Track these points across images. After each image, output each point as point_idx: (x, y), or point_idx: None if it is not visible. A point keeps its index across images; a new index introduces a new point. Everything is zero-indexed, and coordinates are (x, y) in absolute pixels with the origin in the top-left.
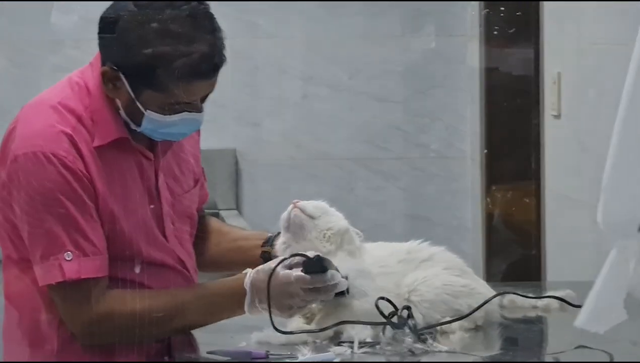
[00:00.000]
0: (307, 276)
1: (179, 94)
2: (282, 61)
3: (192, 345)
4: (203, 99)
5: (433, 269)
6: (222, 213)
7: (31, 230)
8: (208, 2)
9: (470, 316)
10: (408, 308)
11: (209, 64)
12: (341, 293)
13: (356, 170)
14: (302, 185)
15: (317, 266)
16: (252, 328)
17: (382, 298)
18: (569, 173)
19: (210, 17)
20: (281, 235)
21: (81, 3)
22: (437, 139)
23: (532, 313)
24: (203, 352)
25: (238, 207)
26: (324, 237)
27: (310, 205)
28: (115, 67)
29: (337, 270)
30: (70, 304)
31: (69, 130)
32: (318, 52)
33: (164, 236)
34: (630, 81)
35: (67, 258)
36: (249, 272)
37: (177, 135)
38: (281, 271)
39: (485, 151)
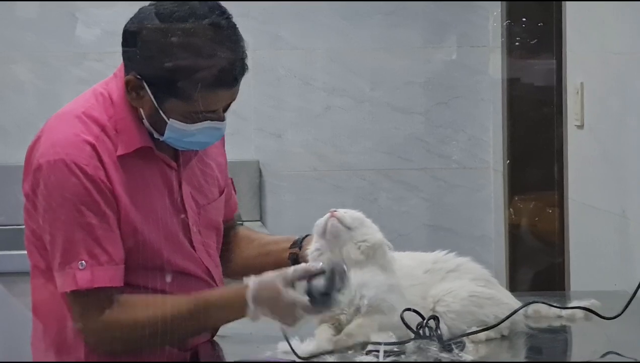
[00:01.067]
0: (312, 308)
1: (202, 103)
2: (305, 73)
3: (218, 355)
4: (225, 108)
5: (459, 280)
6: (246, 224)
7: (51, 237)
8: (230, 13)
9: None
10: (435, 318)
11: (231, 74)
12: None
13: (379, 181)
14: (325, 196)
15: (322, 300)
16: (277, 338)
17: (409, 309)
18: (592, 183)
19: (233, 27)
20: (314, 240)
21: (105, 16)
22: (459, 149)
23: (556, 323)
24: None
25: (261, 219)
26: (358, 249)
27: (348, 215)
28: (139, 76)
29: (343, 280)
30: (81, 312)
31: (91, 139)
32: (340, 64)
33: (192, 246)
34: None
35: (81, 267)
36: (250, 284)
37: (200, 144)
38: (285, 293)
39: (508, 161)
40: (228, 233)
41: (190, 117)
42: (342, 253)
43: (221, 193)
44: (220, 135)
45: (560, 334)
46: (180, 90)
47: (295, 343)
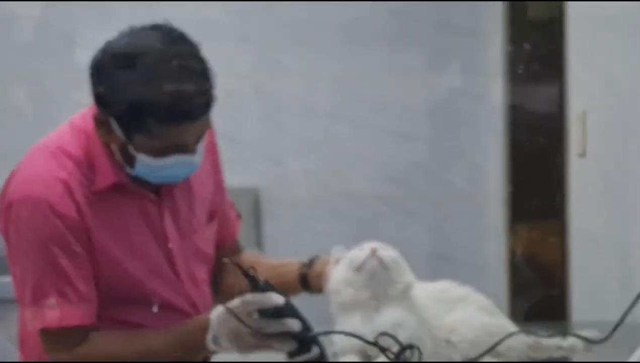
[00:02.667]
0: (249, 295)
1: (166, 137)
2: (306, 98)
3: None
4: (197, 140)
5: (468, 309)
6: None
7: (20, 274)
8: (196, 42)
9: (501, 355)
10: (411, 347)
11: (193, 106)
12: (305, 348)
13: (380, 208)
14: (325, 223)
15: (270, 312)
16: None
17: (385, 333)
18: (594, 211)
19: (196, 58)
20: (342, 269)
21: (103, 40)
22: (460, 176)
23: (557, 354)
24: None
25: (259, 246)
26: (393, 289)
27: (389, 258)
28: (104, 112)
29: (301, 319)
30: (51, 350)
31: (64, 176)
32: (342, 89)
33: (178, 278)
34: None
35: (50, 307)
36: (217, 308)
37: (173, 178)
38: (233, 303)
39: (509, 189)
40: (233, 258)
41: (158, 152)
42: (375, 291)
43: (211, 219)
44: (193, 168)
45: None
46: (142, 125)
47: None
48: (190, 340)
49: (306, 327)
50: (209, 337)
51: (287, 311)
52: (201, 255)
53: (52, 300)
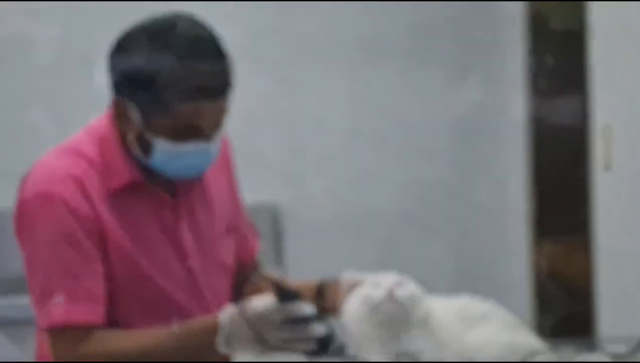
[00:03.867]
0: (275, 304)
1: (184, 117)
2: (324, 115)
3: None
4: (215, 126)
5: (492, 327)
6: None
7: (30, 272)
8: (212, 25)
9: None
10: None
11: (212, 85)
12: (324, 349)
13: (402, 225)
14: (346, 241)
15: (288, 295)
16: None
17: None
18: (620, 226)
19: (214, 40)
20: (359, 309)
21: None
22: (483, 192)
23: None
24: None
25: (279, 263)
26: (411, 324)
27: (406, 298)
28: (124, 97)
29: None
30: (56, 348)
31: (78, 173)
32: (361, 105)
33: (199, 288)
34: None
35: (57, 304)
36: (229, 311)
37: (189, 168)
38: (256, 305)
39: (533, 204)
40: (252, 278)
41: (176, 135)
42: (391, 328)
43: (229, 231)
44: (209, 157)
45: None
46: (162, 104)
47: None
48: (196, 342)
49: (330, 329)
50: (221, 340)
51: (313, 317)
52: (221, 265)
53: (59, 298)
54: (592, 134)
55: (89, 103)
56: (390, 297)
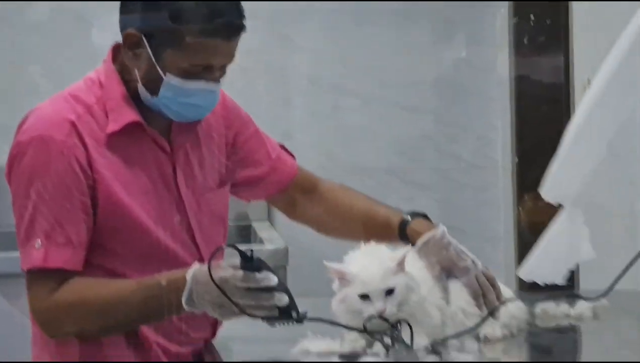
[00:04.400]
0: (244, 273)
1: (198, 52)
2: (313, 73)
3: (214, 357)
4: (223, 69)
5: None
6: (254, 224)
7: (17, 213)
8: None
9: (505, 326)
10: (399, 324)
11: (229, 23)
12: (285, 317)
13: (388, 181)
14: None
15: (254, 265)
16: (287, 339)
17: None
18: (601, 181)
19: None
20: (345, 315)
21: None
22: (468, 148)
23: (565, 322)
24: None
25: (270, 218)
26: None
27: (394, 313)
28: (136, 31)
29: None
30: (32, 292)
31: (73, 118)
32: (348, 64)
33: (192, 235)
34: (602, 78)
35: (37, 247)
36: (194, 265)
37: (194, 108)
38: (222, 269)
39: (517, 160)
40: (309, 192)
41: (186, 71)
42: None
43: (223, 183)
44: (215, 100)
45: (569, 333)
46: (177, 38)
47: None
48: (164, 296)
49: (292, 299)
50: (184, 297)
51: (277, 287)
52: (216, 215)
53: (40, 241)
54: (573, 90)
55: (85, 61)
56: (379, 313)
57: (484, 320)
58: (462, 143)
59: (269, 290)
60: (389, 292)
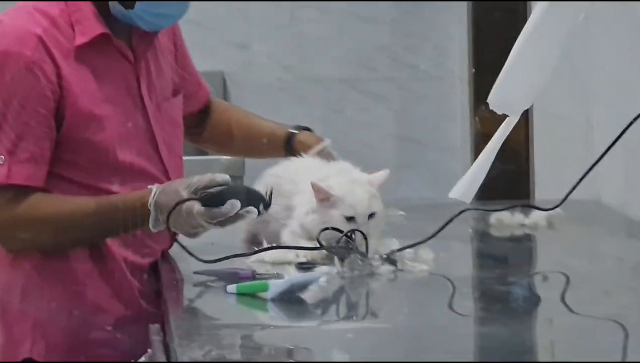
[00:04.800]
0: (205, 210)
1: None
2: None
3: (172, 268)
4: None
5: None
6: None
7: None
8: None
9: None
10: (353, 233)
11: None
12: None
13: (345, 91)
14: (290, 107)
15: (215, 200)
16: (240, 248)
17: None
18: (556, 91)
19: None
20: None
21: None
22: (425, 58)
23: (519, 232)
24: (190, 273)
25: None
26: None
27: (373, 231)
28: None
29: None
30: None
31: (39, 31)
32: None
33: (155, 144)
34: None
35: (0, 162)
36: (154, 191)
37: (166, 17)
38: (184, 204)
39: (473, 70)
40: (213, 111)
41: None
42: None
43: (177, 93)
44: (185, 10)
45: (524, 242)
46: None
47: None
48: (121, 220)
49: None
50: (151, 224)
51: (229, 191)
52: (175, 123)
53: (2, 157)
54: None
55: None
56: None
57: (440, 230)
58: (419, 53)
59: (221, 201)
60: (371, 215)
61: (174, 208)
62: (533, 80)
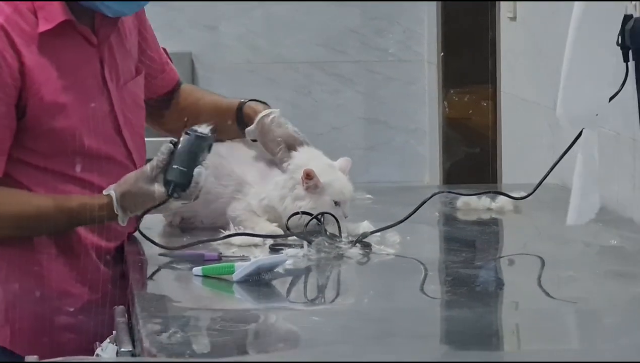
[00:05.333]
0: (182, 201)
1: None
2: None
3: (139, 251)
4: None
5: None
6: None
7: None
8: None
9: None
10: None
11: None
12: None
13: (313, 73)
14: (259, 88)
15: (183, 183)
16: (206, 231)
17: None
18: (525, 75)
19: None
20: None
21: None
22: (394, 42)
23: (486, 216)
24: (155, 255)
25: None
26: None
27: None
28: None
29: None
30: None
31: (0, 20)
32: None
33: (117, 127)
34: None
35: None
36: (113, 194)
37: (132, 3)
38: (145, 190)
39: (442, 54)
40: (178, 95)
41: None
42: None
43: (138, 72)
44: None
45: (490, 226)
46: None
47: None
48: (95, 216)
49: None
50: (120, 216)
51: (181, 161)
52: (138, 103)
53: None
54: None
55: None
56: (345, 216)
57: (412, 213)
58: (388, 36)
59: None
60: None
61: (146, 212)
62: (595, 88)
